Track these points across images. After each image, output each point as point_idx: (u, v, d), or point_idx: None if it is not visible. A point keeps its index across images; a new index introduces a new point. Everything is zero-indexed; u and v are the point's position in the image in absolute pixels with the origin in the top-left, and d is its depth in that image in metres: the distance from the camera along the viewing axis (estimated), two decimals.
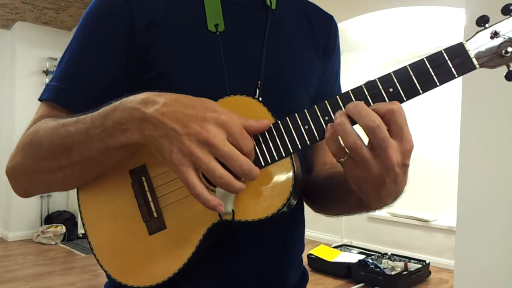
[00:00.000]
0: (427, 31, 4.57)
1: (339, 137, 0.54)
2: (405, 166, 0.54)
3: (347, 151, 0.54)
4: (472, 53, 0.56)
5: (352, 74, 5.05)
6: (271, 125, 0.60)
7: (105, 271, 0.67)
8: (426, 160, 4.72)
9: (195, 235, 0.63)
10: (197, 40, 0.71)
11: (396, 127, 0.52)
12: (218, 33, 0.72)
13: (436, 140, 4.81)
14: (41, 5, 4.91)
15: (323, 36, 0.85)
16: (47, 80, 5.67)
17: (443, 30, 4.40)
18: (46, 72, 5.67)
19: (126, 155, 0.63)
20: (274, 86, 0.74)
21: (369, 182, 0.55)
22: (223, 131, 0.54)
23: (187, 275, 0.66)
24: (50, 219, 5.58)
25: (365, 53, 5.33)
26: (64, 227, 5.43)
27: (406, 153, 0.53)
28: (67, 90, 0.70)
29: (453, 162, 3.13)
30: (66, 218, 5.56)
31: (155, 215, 0.65)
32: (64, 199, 5.88)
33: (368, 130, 0.52)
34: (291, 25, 0.81)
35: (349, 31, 4.53)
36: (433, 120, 4.76)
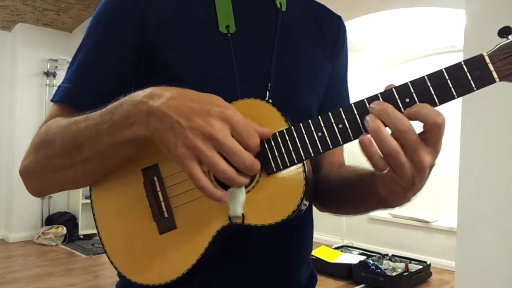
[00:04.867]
0: (428, 32, 4.57)
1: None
2: (433, 166, 0.55)
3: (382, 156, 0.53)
4: (492, 66, 0.53)
5: (353, 75, 5.04)
6: (284, 130, 0.60)
7: (115, 267, 0.67)
8: None
9: (204, 237, 0.64)
10: (208, 41, 0.71)
11: (433, 138, 0.53)
12: (229, 34, 0.72)
13: None
14: (42, 7, 4.92)
15: (332, 37, 0.86)
16: (48, 82, 5.68)
17: (443, 31, 4.41)
18: (47, 74, 5.67)
19: (134, 149, 0.64)
20: (283, 88, 0.74)
21: (400, 184, 0.55)
22: (227, 126, 0.54)
23: (199, 274, 0.66)
24: (51, 220, 5.59)
25: (366, 54, 5.33)
26: (65, 228, 5.43)
27: (436, 155, 0.54)
28: (78, 92, 0.71)
29: (454, 162, 3.13)
30: (67, 219, 5.56)
31: (166, 215, 0.65)
32: (65, 201, 5.88)
33: (399, 132, 0.52)
34: (301, 26, 0.82)
35: (349, 32, 4.52)
36: None
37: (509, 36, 0.54)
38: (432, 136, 0.53)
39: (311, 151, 0.59)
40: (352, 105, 0.57)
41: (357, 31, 4.55)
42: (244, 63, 0.71)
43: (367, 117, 0.54)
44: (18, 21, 5.41)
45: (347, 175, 0.73)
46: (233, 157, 0.54)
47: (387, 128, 0.53)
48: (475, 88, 0.54)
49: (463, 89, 0.54)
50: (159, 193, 0.66)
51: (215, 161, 0.54)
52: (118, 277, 0.76)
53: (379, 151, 0.53)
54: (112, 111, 0.60)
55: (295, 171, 0.61)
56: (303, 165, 0.61)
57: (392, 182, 0.56)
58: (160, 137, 0.56)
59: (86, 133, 0.62)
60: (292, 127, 0.60)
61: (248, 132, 0.55)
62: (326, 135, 0.58)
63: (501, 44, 0.54)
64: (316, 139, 0.58)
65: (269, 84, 0.72)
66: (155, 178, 0.66)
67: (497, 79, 0.54)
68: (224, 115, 0.54)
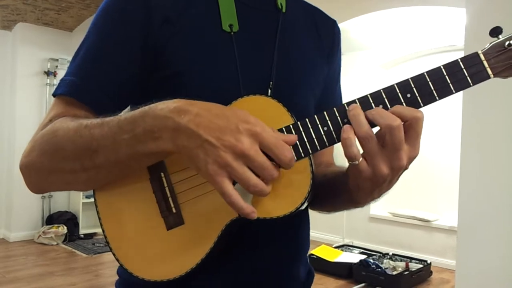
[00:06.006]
0: (428, 31, 4.57)
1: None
2: (405, 169, 0.59)
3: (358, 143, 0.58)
4: (487, 63, 0.58)
5: (353, 74, 5.05)
6: (291, 125, 0.61)
7: (121, 264, 0.67)
8: (428, 160, 4.71)
9: (213, 231, 0.65)
10: (212, 39, 0.72)
11: (413, 134, 0.57)
12: (232, 33, 0.73)
13: (437, 140, 4.81)
14: (42, 6, 4.92)
15: (328, 40, 0.88)
16: (48, 81, 5.68)
17: (443, 30, 4.40)
18: (47, 73, 5.67)
19: (154, 161, 0.64)
20: (283, 86, 0.75)
21: (371, 180, 0.59)
22: (257, 142, 0.56)
23: (201, 269, 0.67)
24: (51, 219, 5.59)
25: (366, 53, 5.33)
26: (65, 227, 5.43)
27: (412, 159, 0.58)
28: (84, 85, 0.70)
29: (454, 162, 3.12)
30: (67, 219, 5.56)
31: (174, 210, 0.66)
32: (65, 200, 5.88)
33: (388, 129, 0.55)
34: (300, 28, 0.84)
35: (349, 31, 4.53)
36: (434, 120, 4.76)
37: (500, 36, 0.59)
38: (411, 132, 0.57)
39: (317, 144, 0.61)
40: (356, 100, 0.60)
41: (358, 30, 4.54)
42: (247, 62, 0.73)
43: (350, 106, 0.59)
44: (18, 20, 5.41)
45: (326, 173, 0.77)
46: (263, 172, 0.56)
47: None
48: (471, 84, 0.59)
49: (460, 85, 0.59)
50: (166, 189, 0.66)
51: (247, 177, 0.55)
52: (118, 275, 0.76)
53: (353, 143, 0.58)
54: (133, 121, 0.59)
55: (302, 165, 0.62)
56: (310, 158, 0.62)
57: (364, 179, 0.60)
58: (188, 154, 0.57)
59: (101, 141, 0.61)
60: (298, 122, 0.61)
61: (278, 147, 0.56)
62: (332, 129, 0.60)
63: (493, 43, 0.59)
64: (322, 133, 0.61)
65: (271, 83, 0.74)
66: (162, 174, 0.66)
67: (492, 75, 0.59)
68: (253, 132, 0.55)
